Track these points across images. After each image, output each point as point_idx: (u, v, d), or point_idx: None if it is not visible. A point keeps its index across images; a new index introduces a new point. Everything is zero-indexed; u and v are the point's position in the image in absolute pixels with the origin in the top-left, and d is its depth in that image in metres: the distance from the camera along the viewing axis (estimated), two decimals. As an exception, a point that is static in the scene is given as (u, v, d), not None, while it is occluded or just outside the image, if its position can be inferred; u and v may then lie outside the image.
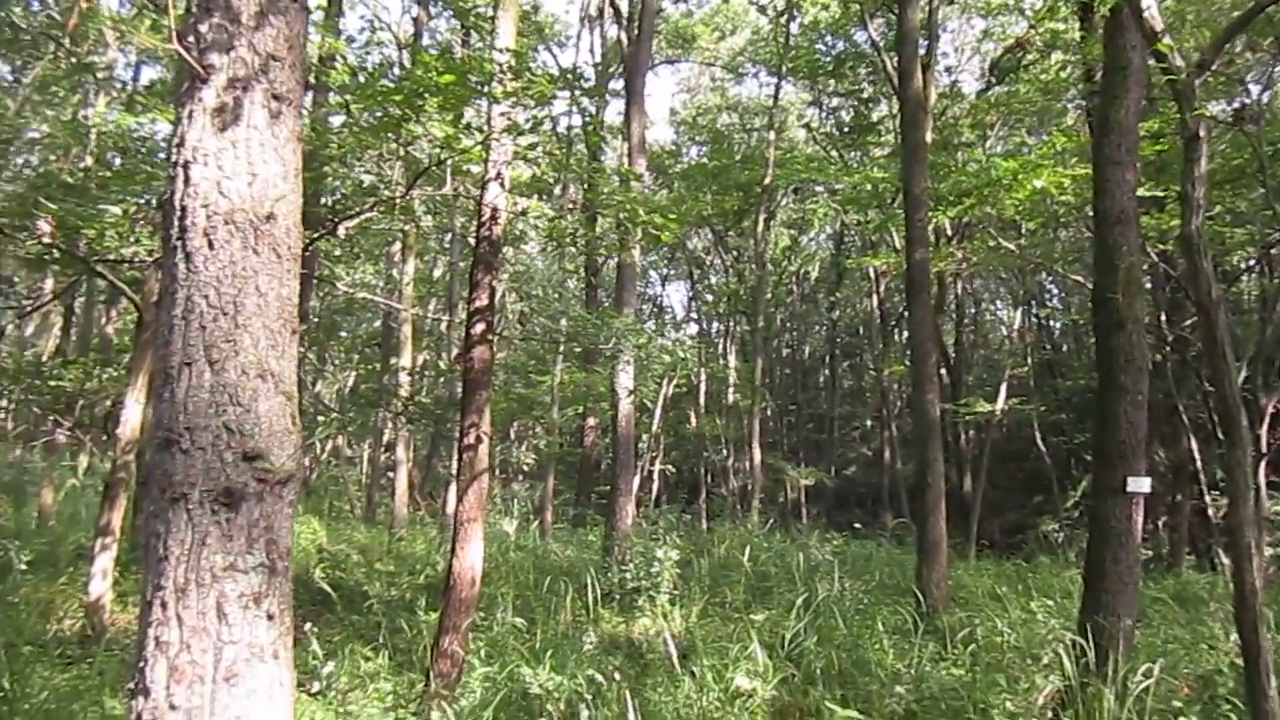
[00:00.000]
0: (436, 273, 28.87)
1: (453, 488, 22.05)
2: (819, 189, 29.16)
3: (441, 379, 21.58)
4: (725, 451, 30.73)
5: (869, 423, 37.77)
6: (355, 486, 26.65)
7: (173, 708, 2.38)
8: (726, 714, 8.05)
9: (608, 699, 7.49)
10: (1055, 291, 31.48)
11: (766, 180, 24.94)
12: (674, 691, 8.57)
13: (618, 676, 7.67)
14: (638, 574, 13.48)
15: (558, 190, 19.37)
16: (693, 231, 31.56)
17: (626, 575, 13.50)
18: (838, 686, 9.14)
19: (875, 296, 31.24)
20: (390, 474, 24.19)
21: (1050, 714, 7.61)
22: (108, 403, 16.11)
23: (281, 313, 2.76)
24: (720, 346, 35.45)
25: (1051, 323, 32.75)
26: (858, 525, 21.53)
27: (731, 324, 34.33)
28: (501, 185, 9.54)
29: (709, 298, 35.80)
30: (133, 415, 11.97)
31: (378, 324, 28.39)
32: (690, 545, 15.78)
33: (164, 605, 2.45)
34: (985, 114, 21.59)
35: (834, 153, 27.37)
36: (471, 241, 20.73)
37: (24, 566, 12.01)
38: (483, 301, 9.65)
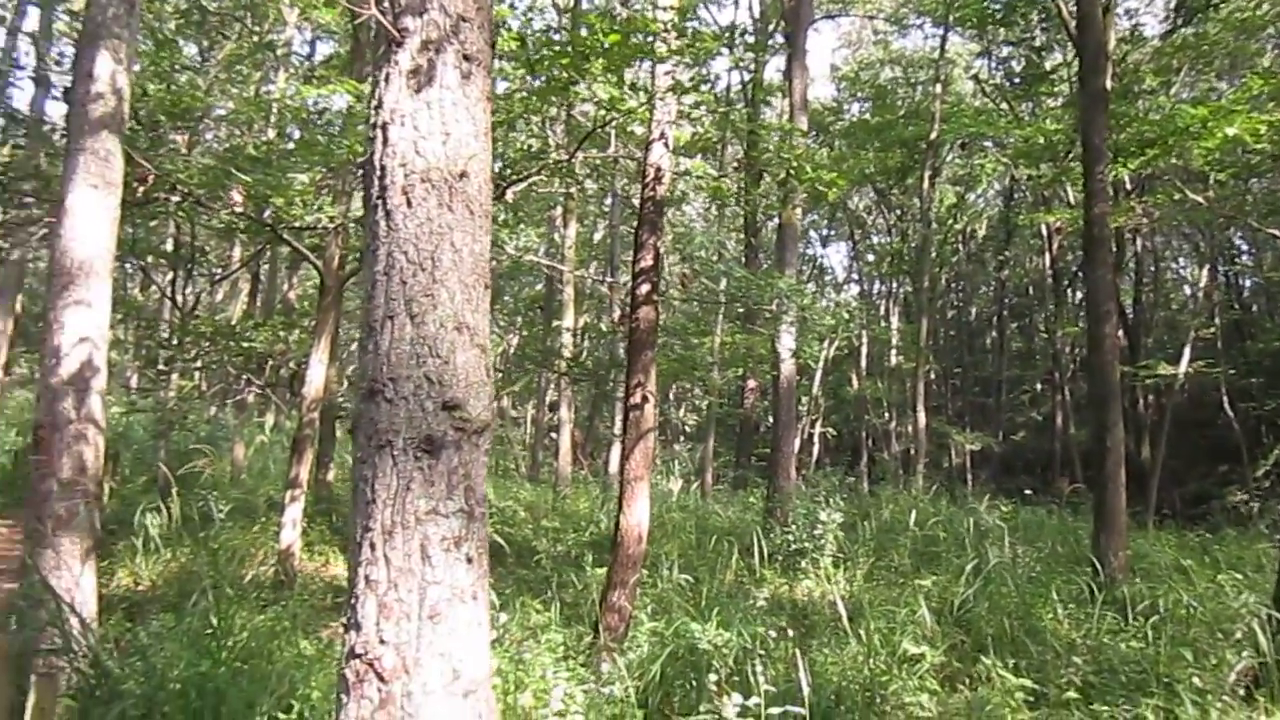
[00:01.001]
0: (597, 236, 29.22)
1: (615, 448, 22.43)
2: (988, 143, 28.02)
3: (603, 340, 21.89)
4: (887, 415, 30.16)
5: (1039, 386, 36.34)
6: (520, 446, 27.40)
7: (382, 642, 2.51)
8: (894, 678, 7.94)
9: (775, 657, 7.50)
10: (1245, 247, 29.47)
11: (932, 135, 24.16)
12: (840, 653, 8.52)
13: (791, 632, 7.66)
14: (800, 536, 13.42)
15: (719, 150, 19.27)
16: (855, 190, 30.88)
17: (789, 537, 13.46)
18: (1009, 655, 8.89)
19: (1048, 255, 29.90)
20: (553, 434, 24.78)
21: (1243, 691, 7.20)
22: (292, 364, 17.00)
23: (475, 268, 2.84)
24: (882, 308, 34.69)
25: (1242, 281, 30.68)
26: (1028, 491, 20.81)
27: (894, 285, 33.53)
28: (665, 145, 9.56)
29: (871, 258, 35.05)
30: (317, 375, 12.63)
31: (540, 287, 28.99)
32: (853, 508, 15.59)
33: (372, 546, 2.58)
34: (1170, 58, 20.24)
35: (1004, 105, 26.22)
36: (634, 203, 20.84)
37: (222, 515, 12.84)
38: (647, 262, 9.72)
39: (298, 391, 14.01)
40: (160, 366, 17.68)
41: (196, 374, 21.77)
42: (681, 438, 30.67)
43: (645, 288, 9.68)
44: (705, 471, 21.06)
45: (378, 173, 2.84)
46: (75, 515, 7.20)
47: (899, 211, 31.69)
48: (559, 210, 22.74)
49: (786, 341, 15.48)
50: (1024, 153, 23.95)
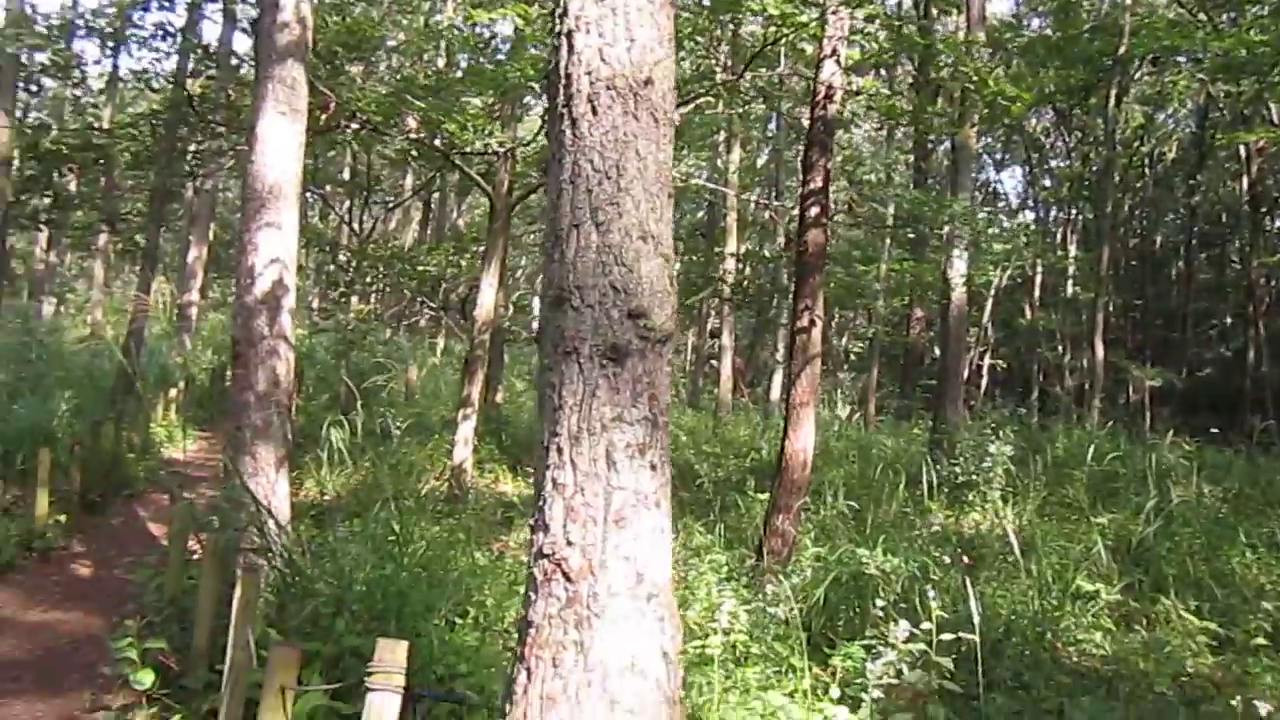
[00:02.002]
0: (760, 161, 28.78)
1: (776, 375, 22.33)
2: (1181, 58, 26.01)
3: (767, 266, 21.66)
4: (1061, 348, 28.92)
5: (1229, 320, 34.06)
6: (679, 372, 27.59)
7: (569, 543, 2.57)
8: (1066, 614, 7.71)
9: (942, 586, 7.37)
10: None
11: (1120, 51, 22.58)
12: (1009, 587, 8.31)
13: (966, 559, 7.51)
14: (968, 468, 13.10)
15: (891, 69, 18.57)
16: (1033, 111, 29.30)
17: (956, 469, 13.16)
18: (1192, 597, 8.51)
19: (1245, 178, 27.76)
20: (713, 362, 24.83)
21: None
22: (462, 288, 17.55)
23: (659, 176, 2.82)
24: (1059, 235, 33.02)
25: None
26: (1214, 430, 19.64)
27: (1073, 211, 31.82)
28: (838, 62, 9.26)
29: (1048, 183, 33.31)
30: (487, 299, 12.99)
31: (701, 214, 28.85)
32: (1024, 442, 15.08)
33: (559, 450, 2.63)
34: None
35: (1201, 15, 24.23)
36: (801, 126, 20.36)
37: (399, 432, 13.42)
38: (817, 183, 9.51)
39: (468, 314, 14.47)
40: (340, 290, 18.52)
41: (374, 298, 22.73)
42: (845, 367, 30.21)
43: (814, 210, 9.48)
44: (868, 401, 20.73)
45: (562, 81, 2.83)
46: (270, 426, 7.65)
47: (1080, 133, 29.93)
48: (722, 135, 22.47)
49: (958, 268, 14.96)
50: (1223, 67, 22.12)
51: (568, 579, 2.55)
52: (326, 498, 12.10)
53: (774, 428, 17.78)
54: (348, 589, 6.84)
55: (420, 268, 15.18)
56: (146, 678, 6.02)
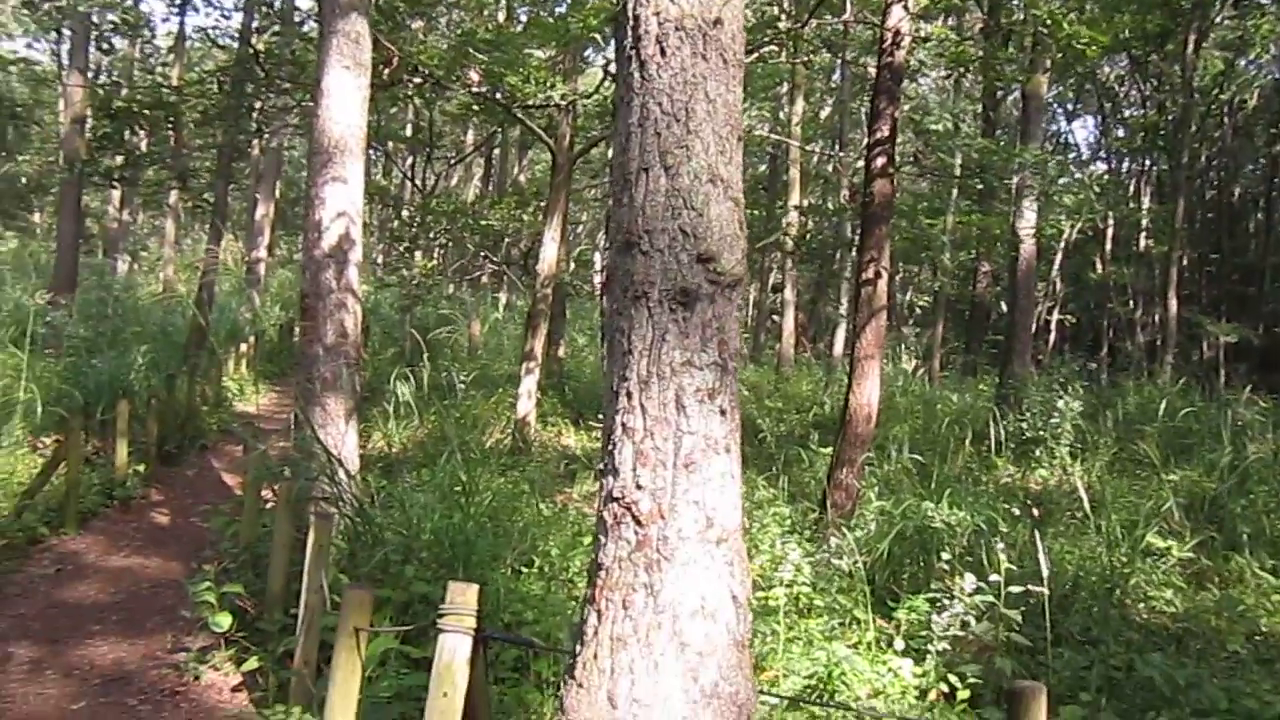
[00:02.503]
0: (823, 113, 28.32)
1: (840, 330, 22.13)
2: (1265, 0, 24.98)
3: (830, 220, 21.39)
4: (1132, 303, 28.22)
5: (1311, 275, 32.92)
6: (741, 327, 27.44)
7: (639, 487, 2.58)
8: (1136, 570, 7.58)
9: (1009, 541, 7.29)
10: None
11: (1201, -7, 21.76)
12: (1078, 543, 8.21)
13: (1037, 512, 7.42)
14: (1035, 424, 12.93)
15: (959, 15, 18.08)
16: (1106, 59, 28.36)
17: (1023, 424, 12.99)
18: (1267, 555, 8.32)
19: (1332, 127, 26.69)
20: (775, 317, 24.66)
21: None
22: (524, 243, 17.59)
23: (729, 119, 2.78)
24: (1132, 187, 32.09)
25: None
26: (1292, 387, 19.06)
27: (1147, 162, 30.86)
28: (905, 7, 9.06)
29: (1121, 133, 32.34)
30: (550, 253, 13.02)
31: (763, 168, 28.52)
32: (1093, 398, 14.81)
33: (629, 395, 2.63)
34: None
35: (1288, -46, 23.24)
36: (865, 76, 19.95)
37: (463, 386, 13.57)
38: (884, 132, 9.34)
39: (531, 269, 14.52)
40: (404, 246, 18.69)
41: (438, 252, 22.89)
42: (910, 321, 29.82)
43: (881, 160, 9.33)
44: (933, 356, 20.47)
45: (630, 23, 2.80)
46: (339, 378, 7.78)
47: (1156, 81, 28.92)
48: (785, 86, 22.14)
49: (1028, 220, 14.65)
50: (1311, 9, 21.24)
51: (637, 523, 2.55)
52: (393, 450, 12.30)
53: (836, 382, 17.66)
54: (415, 537, 6.97)
55: (484, 223, 15.23)
56: (224, 620, 6.20)
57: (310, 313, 7.84)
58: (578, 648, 2.62)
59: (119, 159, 17.66)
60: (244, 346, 19.69)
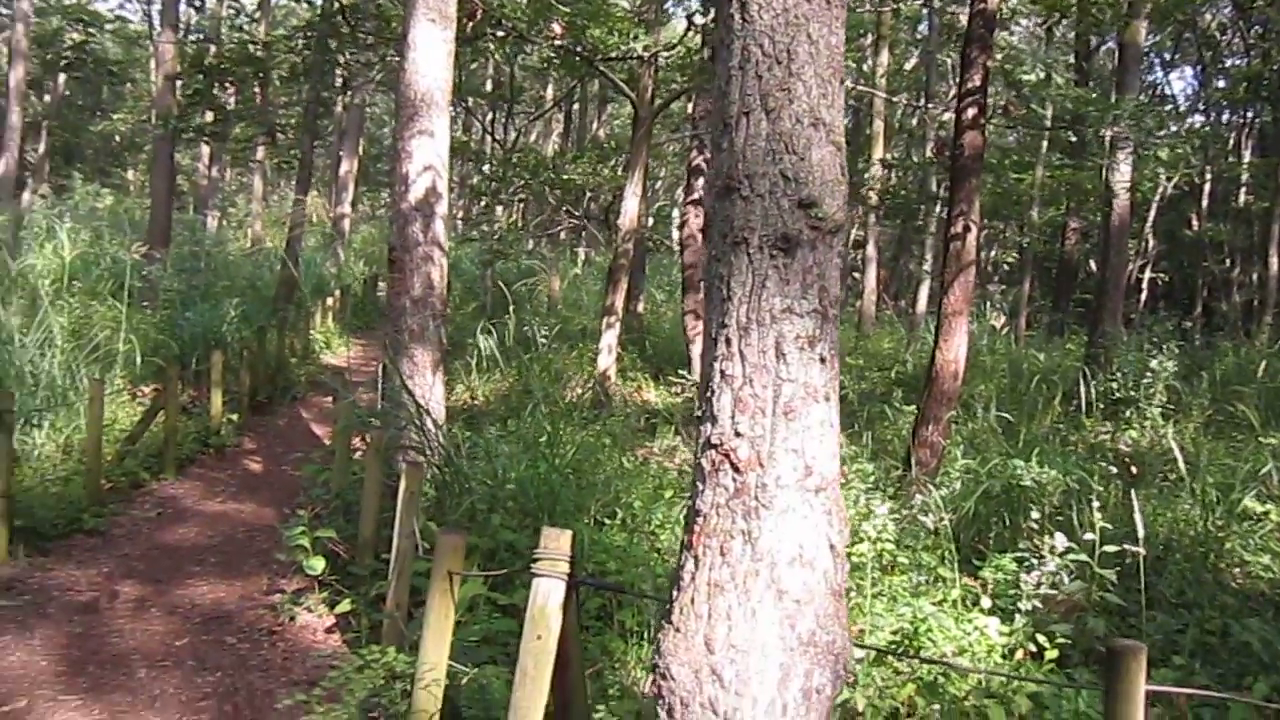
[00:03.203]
0: (908, 66, 27.64)
1: (922, 287, 21.76)
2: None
3: (913, 174, 20.92)
4: (1229, 261, 27.21)
5: None
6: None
7: (737, 434, 2.56)
8: (1230, 534, 7.36)
9: (1102, 500, 7.13)
10: None
11: (1313, -67, 20.67)
12: (1171, 505, 7.99)
13: (1135, 470, 7.25)
14: (1126, 384, 12.59)
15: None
16: (1206, 5, 27.15)
17: (1113, 384, 12.66)
18: (1371, 521, 8.01)
19: None
20: (855, 274, 24.33)
21: None
22: (604, 197, 17.56)
23: (831, 61, 2.72)
24: (1233, 140, 30.80)
25: None
26: (1405, 348, 18.23)
27: (1249, 114, 29.56)
28: (1002, -48, 8.75)
29: (1222, 83, 30.99)
30: (631, 207, 12.99)
31: (846, 120, 27.98)
32: (1187, 358, 14.35)
33: (728, 342, 2.61)
34: None
35: None
36: (956, 24, 19.40)
37: (544, 340, 13.68)
38: (975, 82, 9.09)
39: (612, 224, 14.52)
40: (485, 201, 18.81)
41: (519, 207, 22.99)
42: (995, 279, 29.18)
43: (972, 111, 9.08)
44: (1020, 314, 20.02)
45: (731, -37, 2.74)
46: (426, 330, 7.88)
47: (1261, 28, 27.61)
48: (869, 38, 21.65)
49: (1123, 173, 14.16)
50: None
51: (736, 470, 2.54)
52: (475, 402, 12.47)
53: (919, 340, 17.41)
54: (500, 487, 7.08)
55: (565, 177, 15.24)
56: (318, 564, 6.38)
57: (398, 265, 7.94)
58: (674, 593, 2.64)
59: (209, 115, 18.03)
60: (330, 300, 20.08)
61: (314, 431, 12.17)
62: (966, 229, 9.01)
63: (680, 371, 13.94)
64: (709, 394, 2.65)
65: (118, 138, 40.62)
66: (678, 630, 2.59)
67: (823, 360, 2.63)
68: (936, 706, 4.49)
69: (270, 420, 12.62)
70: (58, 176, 33.40)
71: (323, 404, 13.67)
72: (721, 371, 2.62)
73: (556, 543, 3.21)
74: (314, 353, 16.82)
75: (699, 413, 2.69)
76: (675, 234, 31.21)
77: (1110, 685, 3.00)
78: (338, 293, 21.24)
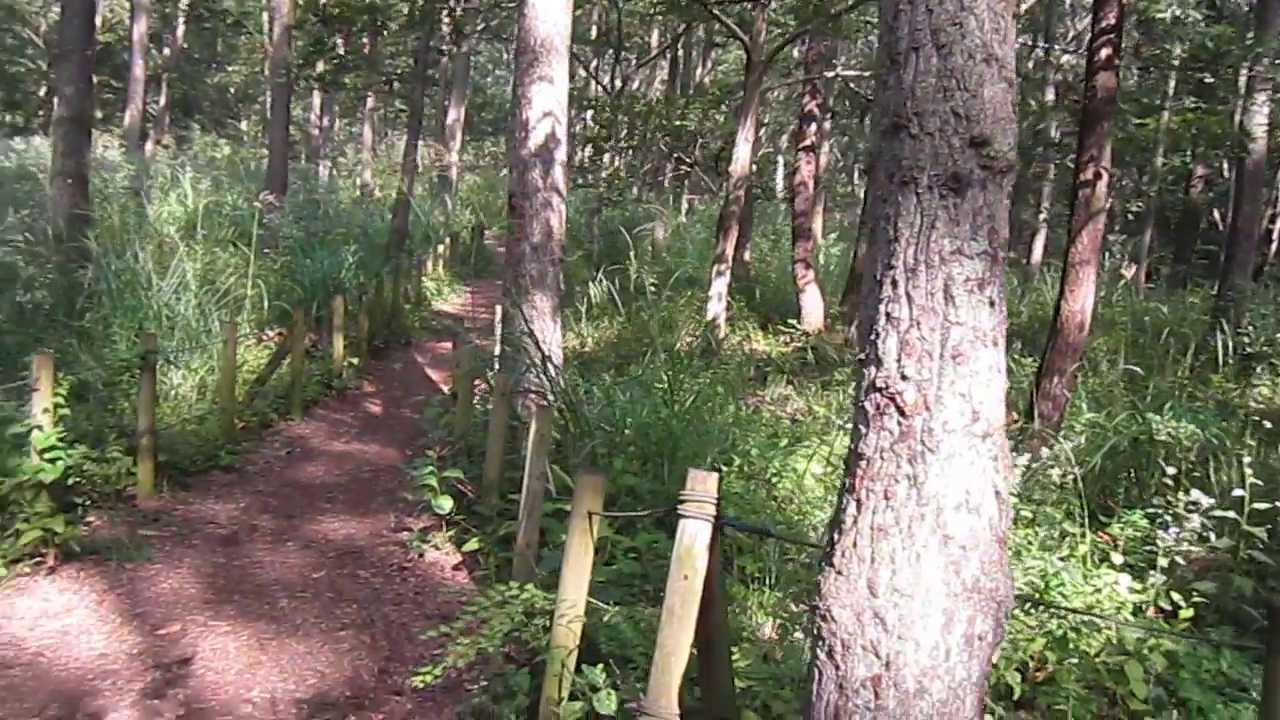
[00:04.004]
0: (1023, 7, 26.55)
1: (1038, 237, 21.12)
2: None
3: (1027, 119, 20.16)
4: (1371, 210, 25.70)
5: None
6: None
7: (904, 378, 2.53)
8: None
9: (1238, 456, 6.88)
10: None
11: None
12: (1309, 464, 7.67)
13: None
14: (1257, 339, 12.08)
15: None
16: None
17: (1244, 339, 12.15)
18: None
19: None
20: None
21: None
22: (713, 144, 17.39)
23: (1004, -7, 2.62)
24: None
25: None
26: None
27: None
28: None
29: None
30: (742, 153, 12.83)
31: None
32: (1329, 314, 13.69)
33: (894, 284, 2.57)
34: None
35: None
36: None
37: (652, 289, 13.69)
38: (1110, 20, 8.71)
39: (722, 170, 14.36)
40: (594, 147, 18.79)
41: (628, 154, 22.91)
42: (1115, 228, 28.11)
43: (1105, 51, 8.70)
44: (1141, 264, 19.28)
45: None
46: (545, 275, 7.95)
47: None
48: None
49: (1260, 116, 13.45)
50: None
51: (901, 413, 2.51)
52: (585, 349, 12.58)
53: (1034, 290, 16.93)
54: (619, 432, 7.15)
55: (676, 123, 15.10)
56: (446, 503, 6.55)
57: (518, 211, 8.01)
58: (835, 536, 2.63)
59: (323, 66, 18.33)
60: (440, 248, 20.40)
61: (429, 376, 12.44)
62: (1097, 176, 8.69)
63: (790, 320, 13.82)
64: (873, 336, 2.61)
65: (232, 90, 41.69)
66: (839, 573, 2.58)
67: (991, 304, 2.57)
68: (1075, 660, 4.41)
69: (387, 365, 12.95)
70: (177, 128, 34.50)
71: (436, 349, 13.96)
72: (887, 314, 2.58)
73: (704, 485, 3.22)
74: (426, 299, 17.15)
75: (861, 355, 2.66)
76: (779, 182, 30.81)
77: (1276, 644, 2.90)
78: (447, 240, 21.56)
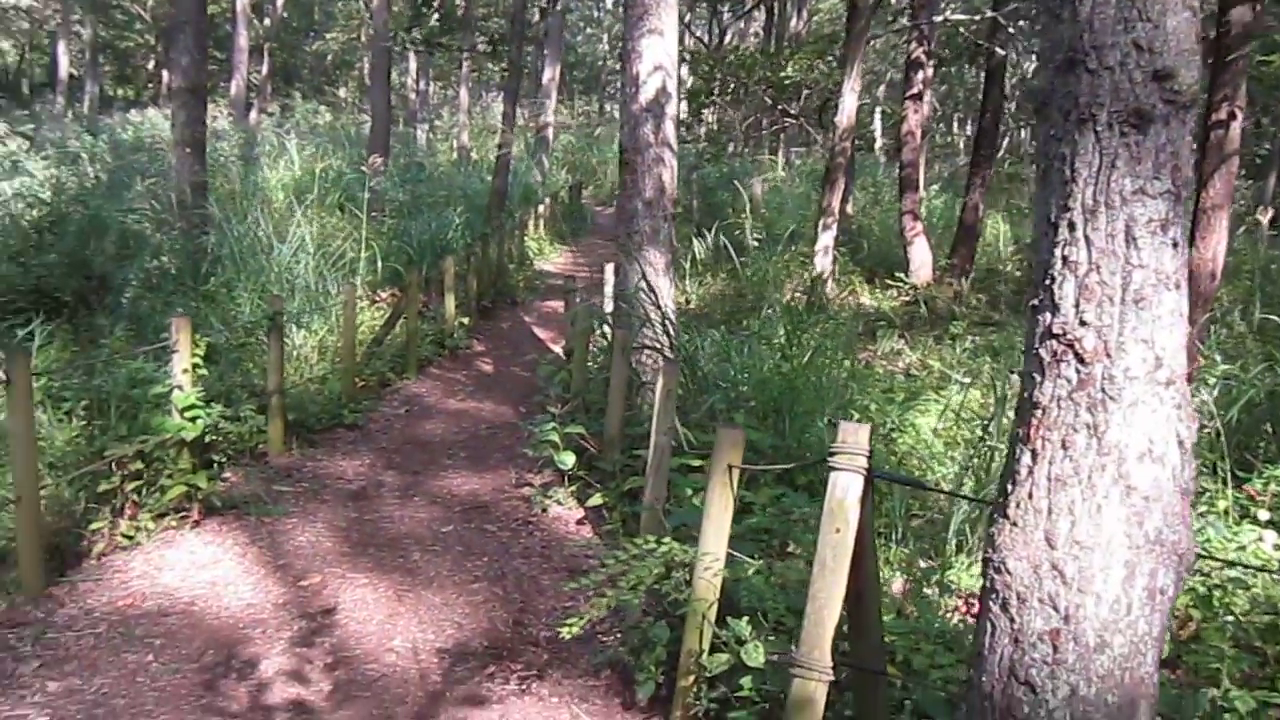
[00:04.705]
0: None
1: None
2: None
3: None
4: None
5: None
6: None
7: (1082, 324, 2.44)
8: None
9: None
10: None
11: None
12: None
13: None
14: (1400, 286, 11.46)
15: None
16: None
17: (1386, 287, 11.55)
18: None
19: None
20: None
21: None
22: (815, 96, 17.04)
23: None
24: None
25: None
26: None
27: None
28: None
29: None
30: (848, 104, 12.58)
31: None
32: None
33: (1071, 226, 2.47)
34: None
35: None
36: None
37: (756, 244, 13.56)
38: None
39: (827, 123, 14.09)
40: (694, 101, 18.59)
41: (729, 110, 22.63)
42: (1242, 172, 26.86)
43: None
44: (1264, 211, 18.40)
45: None
46: (658, 231, 7.92)
47: None
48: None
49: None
50: None
51: (1080, 361, 2.43)
52: (690, 305, 12.55)
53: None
54: (735, 387, 7.12)
55: (782, 75, 14.83)
56: (569, 459, 6.62)
57: (630, 168, 7.98)
58: (1009, 487, 2.56)
59: (418, 32, 18.46)
60: (540, 208, 20.51)
61: (536, 335, 12.56)
62: (1231, 116, 8.29)
63: (897, 274, 13.57)
64: (1048, 281, 2.52)
65: (329, 57, 42.36)
66: (1015, 525, 2.52)
67: (1174, 245, 2.45)
68: (1230, 618, 4.27)
69: (494, 324, 13.11)
70: (279, 96, 35.23)
71: (542, 308, 14.08)
72: (1064, 258, 2.49)
73: (855, 437, 3.17)
74: (529, 259, 17.28)
75: (1035, 301, 2.58)
76: (878, 135, 30.16)
77: None
78: (547, 200, 21.66)
